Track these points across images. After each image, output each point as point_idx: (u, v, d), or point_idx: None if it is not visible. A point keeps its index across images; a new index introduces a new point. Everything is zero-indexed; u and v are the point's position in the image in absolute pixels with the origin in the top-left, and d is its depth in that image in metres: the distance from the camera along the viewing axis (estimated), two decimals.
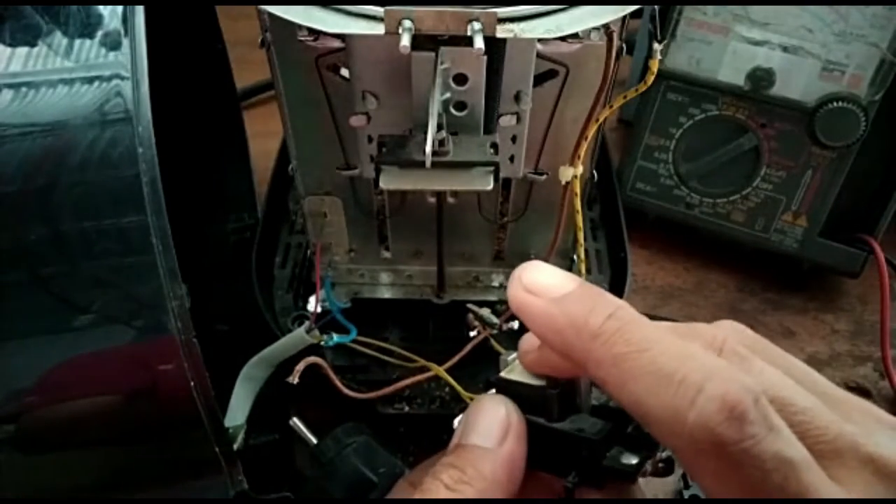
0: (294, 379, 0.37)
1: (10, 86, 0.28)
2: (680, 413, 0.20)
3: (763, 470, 0.19)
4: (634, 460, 0.25)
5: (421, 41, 0.29)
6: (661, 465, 0.25)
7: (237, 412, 0.38)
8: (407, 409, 0.42)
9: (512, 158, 0.37)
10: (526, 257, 0.45)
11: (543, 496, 0.28)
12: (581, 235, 0.39)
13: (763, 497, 0.19)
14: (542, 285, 0.25)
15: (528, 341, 0.29)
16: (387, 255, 0.45)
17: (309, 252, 0.48)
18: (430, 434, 0.45)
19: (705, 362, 0.21)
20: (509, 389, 0.28)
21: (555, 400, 0.27)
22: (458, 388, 0.39)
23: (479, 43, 0.27)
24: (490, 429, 0.27)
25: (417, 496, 0.26)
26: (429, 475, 0.26)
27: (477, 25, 0.27)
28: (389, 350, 0.43)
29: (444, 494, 0.25)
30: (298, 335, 0.40)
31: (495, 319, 0.40)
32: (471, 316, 0.41)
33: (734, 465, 0.19)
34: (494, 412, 0.27)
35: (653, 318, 0.32)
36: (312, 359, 0.38)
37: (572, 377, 0.27)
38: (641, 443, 0.25)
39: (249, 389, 0.39)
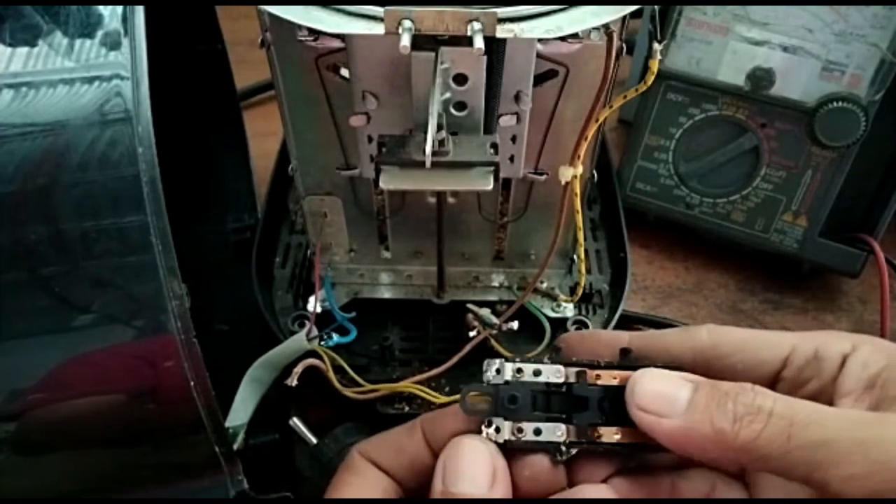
0: (292, 381, 0.37)
1: (10, 86, 0.28)
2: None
3: None
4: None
5: (421, 41, 0.29)
6: None
7: (240, 413, 0.38)
8: (407, 409, 0.41)
9: (512, 158, 0.37)
10: (526, 257, 0.45)
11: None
12: (581, 235, 0.39)
13: None
14: (658, 403, 0.26)
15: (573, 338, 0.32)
16: (387, 255, 0.45)
17: (309, 252, 0.48)
18: None
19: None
20: (508, 390, 0.28)
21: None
22: (435, 396, 0.39)
23: (479, 43, 0.27)
24: (477, 474, 0.27)
25: None
26: None
27: (477, 25, 0.27)
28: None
29: None
30: (298, 340, 0.40)
31: (495, 319, 0.40)
32: (470, 316, 0.41)
33: None
34: (479, 456, 0.27)
35: (653, 319, 0.33)
36: (310, 361, 0.38)
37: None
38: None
39: (254, 391, 0.39)
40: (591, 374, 0.28)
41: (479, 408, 0.28)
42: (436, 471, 0.28)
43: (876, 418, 0.24)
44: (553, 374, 0.28)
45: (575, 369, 0.28)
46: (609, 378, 0.28)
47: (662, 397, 0.26)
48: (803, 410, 0.24)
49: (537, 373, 0.28)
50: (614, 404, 0.28)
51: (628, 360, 0.29)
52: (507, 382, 0.28)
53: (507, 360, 0.28)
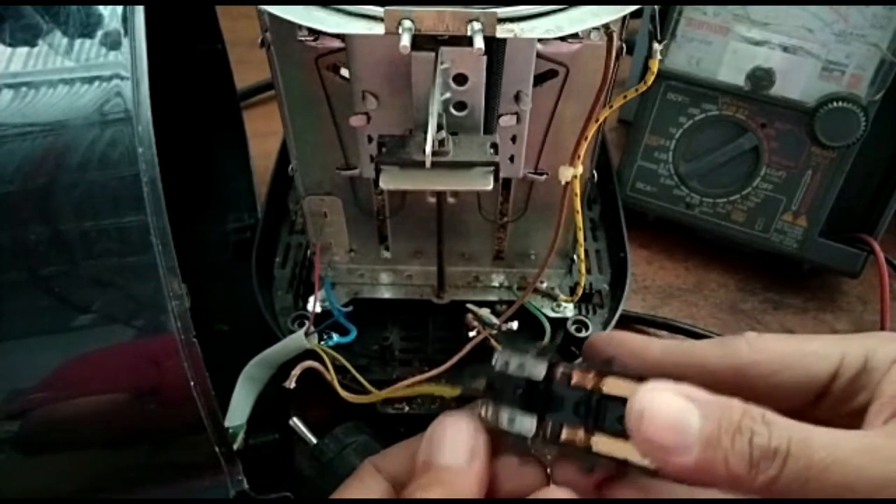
0: (290, 384, 0.37)
1: (10, 86, 0.28)
2: None
3: None
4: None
5: (421, 41, 0.29)
6: None
7: (238, 412, 0.38)
8: (407, 409, 0.41)
9: (512, 158, 0.37)
10: (526, 257, 0.45)
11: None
12: (581, 235, 0.39)
13: None
14: (666, 436, 0.24)
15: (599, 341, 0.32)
16: (387, 255, 0.45)
17: (309, 252, 0.48)
18: None
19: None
20: (503, 382, 0.29)
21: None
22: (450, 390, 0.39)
23: (479, 43, 0.27)
24: (458, 448, 0.28)
25: None
26: (409, 492, 0.27)
27: (477, 25, 0.27)
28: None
29: None
30: (297, 339, 0.40)
31: (495, 320, 0.40)
32: (470, 316, 0.41)
33: None
34: (460, 431, 0.28)
35: (653, 319, 0.32)
36: (309, 363, 0.38)
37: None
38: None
39: (250, 390, 0.39)
40: (579, 375, 0.28)
41: (475, 387, 0.30)
42: (421, 445, 0.28)
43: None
44: (534, 370, 0.29)
45: (561, 369, 0.29)
46: (597, 383, 0.28)
47: (669, 428, 0.24)
48: (822, 449, 0.23)
49: (521, 366, 0.29)
50: (596, 410, 0.27)
51: (612, 367, 0.28)
52: (495, 372, 0.29)
53: (500, 351, 0.30)
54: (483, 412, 0.29)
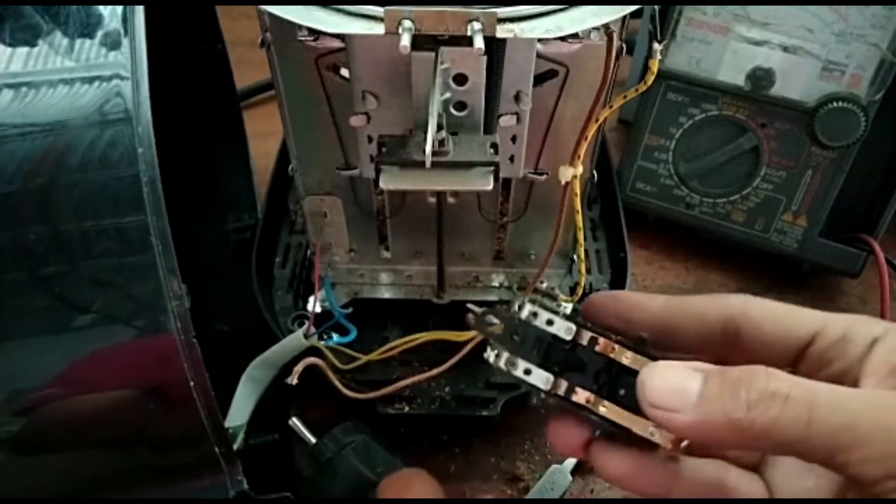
0: (293, 380, 0.37)
1: (10, 86, 0.28)
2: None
3: None
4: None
5: (421, 41, 0.29)
6: None
7: (239, 413, 0.38)
8: (407, 409, 0.41)
9: (512, 158, 0.37)
10: (526, 257, 0.45)
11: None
12: (581, 235, 0.39)
13: None
14: (669, 398, 0.25)
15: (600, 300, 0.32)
16: (387, 255, 0.45)
17: (309, 252, 0.48)
18: (430, 434, 0.45)
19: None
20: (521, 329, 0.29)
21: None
22: (451, 336, 0.39)
23: (479, 43, 0.27)
24: None
25: None
26: None
27: (477, 25, 0.27)
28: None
29: None
30: (296, 338, 0.40)
31: (495, 320, 0.40)
32: (470, 316, 0.41)
33: None
34: None
35: None
36: (311, 360, 0.38)
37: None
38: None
39: (252, 391, 0.39)
40: (606, 344, 0.28)
41: (491, 330, 0.30)
42: None
43: None
44: (563, 329, 0.29)
45: (589, 334, 0.29)
46: (620, 355, 0.28)
47: (672, 392, 0.25)
48: (825, 394, 0.23)
49: (550, 322, 0.29)
50: (614, 381, 0.28)
51: (645, 347, 0.29)
52: (519, 320, 0.29)
53: (529, 300, 0.29)
54: (493, 357, 0.29)
